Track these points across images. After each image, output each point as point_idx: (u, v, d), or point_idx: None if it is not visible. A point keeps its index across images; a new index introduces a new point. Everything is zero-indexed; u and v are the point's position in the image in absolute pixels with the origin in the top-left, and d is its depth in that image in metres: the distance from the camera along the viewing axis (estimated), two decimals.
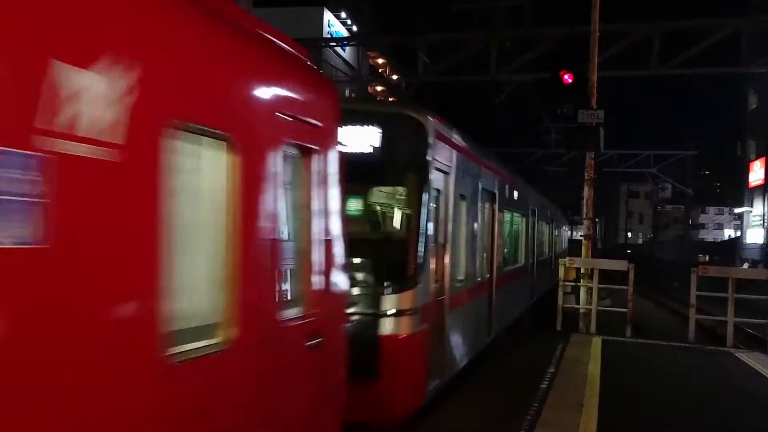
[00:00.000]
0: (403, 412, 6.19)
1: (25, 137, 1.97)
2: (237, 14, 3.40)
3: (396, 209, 6.90)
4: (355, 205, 6.68)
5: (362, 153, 6.45)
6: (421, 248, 6.38)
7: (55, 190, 2.03)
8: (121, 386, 2.35)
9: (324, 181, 4.07)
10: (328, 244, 4.09)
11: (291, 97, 3.79)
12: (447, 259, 7.43)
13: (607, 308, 14.51)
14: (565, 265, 14.11)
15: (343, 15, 47.85)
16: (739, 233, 48.69)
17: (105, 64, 2.30)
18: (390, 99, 32.13)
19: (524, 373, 9.44)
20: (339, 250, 4.26)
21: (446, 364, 7.49)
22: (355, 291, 5.68)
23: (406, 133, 6.70)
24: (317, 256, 3.96)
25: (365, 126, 6.56)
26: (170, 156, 2.59)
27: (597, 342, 12.05)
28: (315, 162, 3.96)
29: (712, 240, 73.78)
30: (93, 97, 2.21)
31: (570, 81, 13.71)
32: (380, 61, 43.30)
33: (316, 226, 3.97)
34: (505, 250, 12.54)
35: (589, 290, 13.64)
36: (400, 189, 6.79)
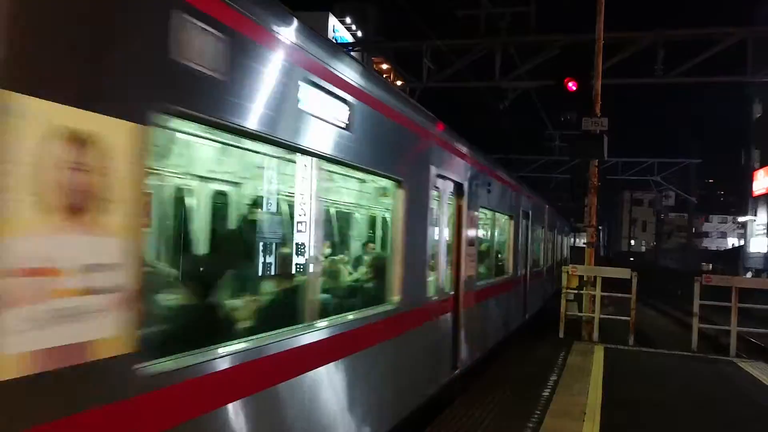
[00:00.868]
0: None
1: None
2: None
3: None
4: None
5: None
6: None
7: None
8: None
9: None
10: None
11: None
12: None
13: (610, 316, 14.48)
14: (567, 272, 14.08)
15: (348, 20, 47.98)
16: (742, 242, 48.58)
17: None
18: None
19: (526, 380, 9.41)
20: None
21: None
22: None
23: None
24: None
25: None
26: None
27: (600, 350, 12.02)
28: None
29: (715, 249, 73.68)
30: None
31: (574, 88, 13.76)
32: (385, 66, 43.41)
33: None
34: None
35: (592, 298, 13.61)
36: None
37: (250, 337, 3.84)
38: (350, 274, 6.84)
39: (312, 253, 4.59)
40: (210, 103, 3.25)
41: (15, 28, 2.24)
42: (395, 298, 6.06)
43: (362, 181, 6.84)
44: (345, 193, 7.63)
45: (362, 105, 5.12)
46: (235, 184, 5.95)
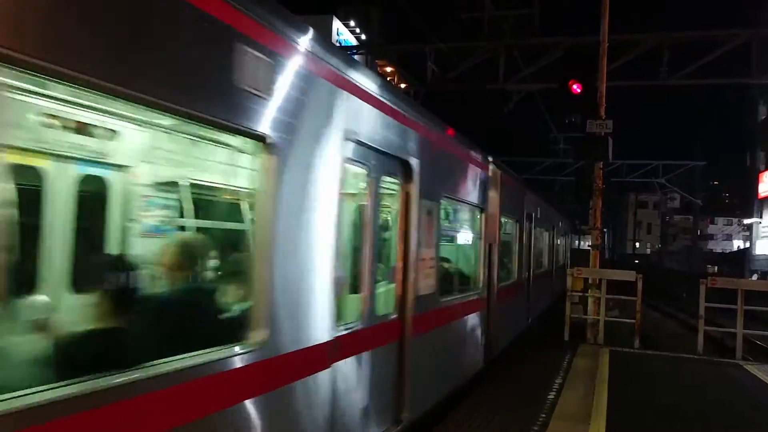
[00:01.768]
0: None
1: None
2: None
3: None
4: None
5: None
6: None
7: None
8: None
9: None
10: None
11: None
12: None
13: (615, 319, 14.44)
14: (572, 275, 14.06)
15: (352, 23, 48.08)
16: (748, 244, 48.41)
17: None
18: None
19: (531, 383, 9.39)
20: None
21: None
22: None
23: None
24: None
25: None
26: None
27: (605, 353, 11.99)
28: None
29: (720, 251, 73.42)
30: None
31: (579, 91, 13.71)
32: (388, 69, 43.40)
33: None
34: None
35: (597, 300, 13.59)
36: None
37: None
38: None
39: None
40: None
41: None
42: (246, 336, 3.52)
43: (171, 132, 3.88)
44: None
45: None
46: None
